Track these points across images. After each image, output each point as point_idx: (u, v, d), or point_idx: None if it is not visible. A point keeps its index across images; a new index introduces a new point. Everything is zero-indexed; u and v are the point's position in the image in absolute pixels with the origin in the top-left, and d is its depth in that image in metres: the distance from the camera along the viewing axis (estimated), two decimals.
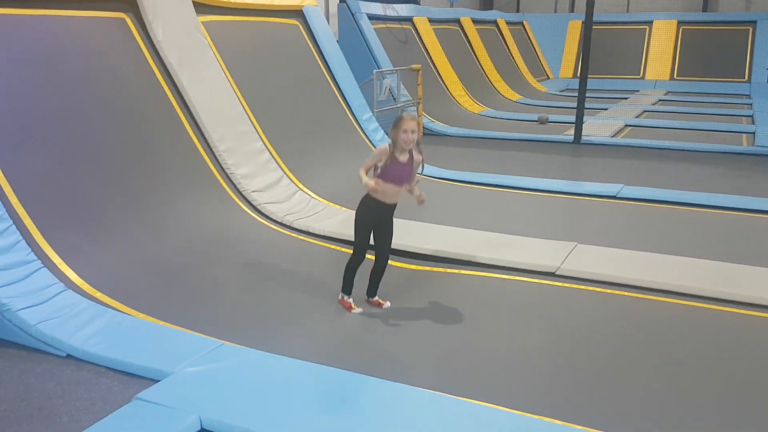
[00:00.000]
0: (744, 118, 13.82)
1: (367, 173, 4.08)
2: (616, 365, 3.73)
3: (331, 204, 6.76)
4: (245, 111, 7.07)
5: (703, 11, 22.27)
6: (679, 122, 13.07)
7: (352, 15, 12.57)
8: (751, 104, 15.70)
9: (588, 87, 11.30)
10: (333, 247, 5.73)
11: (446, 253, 5.39)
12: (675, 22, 21.40)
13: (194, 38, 6.80)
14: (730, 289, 4.60)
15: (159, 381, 3.36)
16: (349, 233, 5.83)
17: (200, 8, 7.13)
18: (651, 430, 3.11)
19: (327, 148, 8.07)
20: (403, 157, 4.09)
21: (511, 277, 5.00)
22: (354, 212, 4.28)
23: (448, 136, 11.85)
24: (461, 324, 4.28)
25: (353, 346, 4.03)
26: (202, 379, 3.35)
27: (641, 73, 21.23)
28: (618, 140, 11.21)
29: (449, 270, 5.18)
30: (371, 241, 4.34)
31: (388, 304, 4.48)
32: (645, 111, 15.07)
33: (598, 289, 4.76)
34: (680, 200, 7.02)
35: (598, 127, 12.11)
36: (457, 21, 17.21)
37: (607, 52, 20.92)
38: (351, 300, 4.41)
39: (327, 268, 5.21)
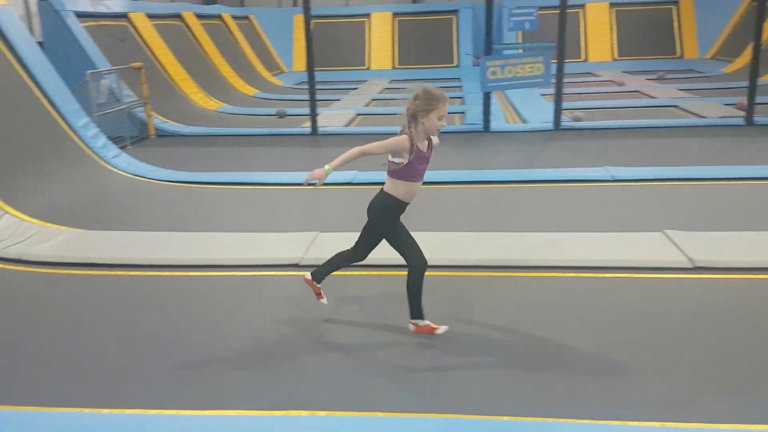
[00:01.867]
0: (456, 99, 15.39)
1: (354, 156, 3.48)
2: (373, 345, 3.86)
3: (48, 224, 6.00)
4: None
5: (413, 2, 24.28)
6: (403, 108, 14.06)
7: (57, 13, 11.32)
8: (461, 86, 17.55)
9: (319, 79, 11.63)
10: (57, 272, 5.08)
11: (192, 260, 5.15)
12: (390, 14, 23.06)
13: None
14: (451, 255, 5.04)
15: None
16: (72, 255, 5.25)
17: None
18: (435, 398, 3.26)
19: (36, 162, 7.15)
20: (423, 146, 3.56)
21: (258, 273, 4.91)
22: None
23: (183, 135, 11.35)
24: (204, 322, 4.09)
25: (107, 382, 3.58)
26: None
27: (366, 64, 22.57)
28: (351, 129, 11.75)
29: (197, 274, 4.92)
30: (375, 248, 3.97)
31: (444, 328, 3.75)
32: (373, 99, 16.01)
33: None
34: None
35: (332, 118, 12.55)
36: (179, 16, 16.48)
37: (332, 45, 21.82)
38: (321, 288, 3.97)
39: (57, 297, 4.60)
